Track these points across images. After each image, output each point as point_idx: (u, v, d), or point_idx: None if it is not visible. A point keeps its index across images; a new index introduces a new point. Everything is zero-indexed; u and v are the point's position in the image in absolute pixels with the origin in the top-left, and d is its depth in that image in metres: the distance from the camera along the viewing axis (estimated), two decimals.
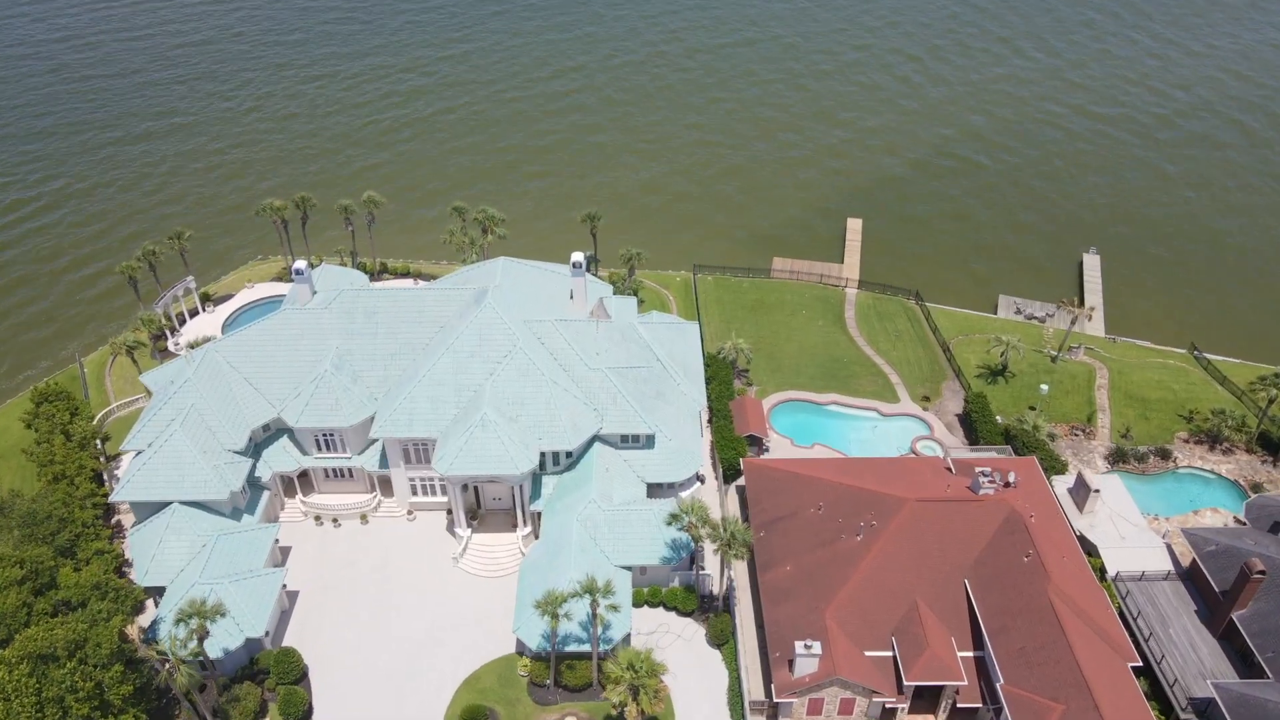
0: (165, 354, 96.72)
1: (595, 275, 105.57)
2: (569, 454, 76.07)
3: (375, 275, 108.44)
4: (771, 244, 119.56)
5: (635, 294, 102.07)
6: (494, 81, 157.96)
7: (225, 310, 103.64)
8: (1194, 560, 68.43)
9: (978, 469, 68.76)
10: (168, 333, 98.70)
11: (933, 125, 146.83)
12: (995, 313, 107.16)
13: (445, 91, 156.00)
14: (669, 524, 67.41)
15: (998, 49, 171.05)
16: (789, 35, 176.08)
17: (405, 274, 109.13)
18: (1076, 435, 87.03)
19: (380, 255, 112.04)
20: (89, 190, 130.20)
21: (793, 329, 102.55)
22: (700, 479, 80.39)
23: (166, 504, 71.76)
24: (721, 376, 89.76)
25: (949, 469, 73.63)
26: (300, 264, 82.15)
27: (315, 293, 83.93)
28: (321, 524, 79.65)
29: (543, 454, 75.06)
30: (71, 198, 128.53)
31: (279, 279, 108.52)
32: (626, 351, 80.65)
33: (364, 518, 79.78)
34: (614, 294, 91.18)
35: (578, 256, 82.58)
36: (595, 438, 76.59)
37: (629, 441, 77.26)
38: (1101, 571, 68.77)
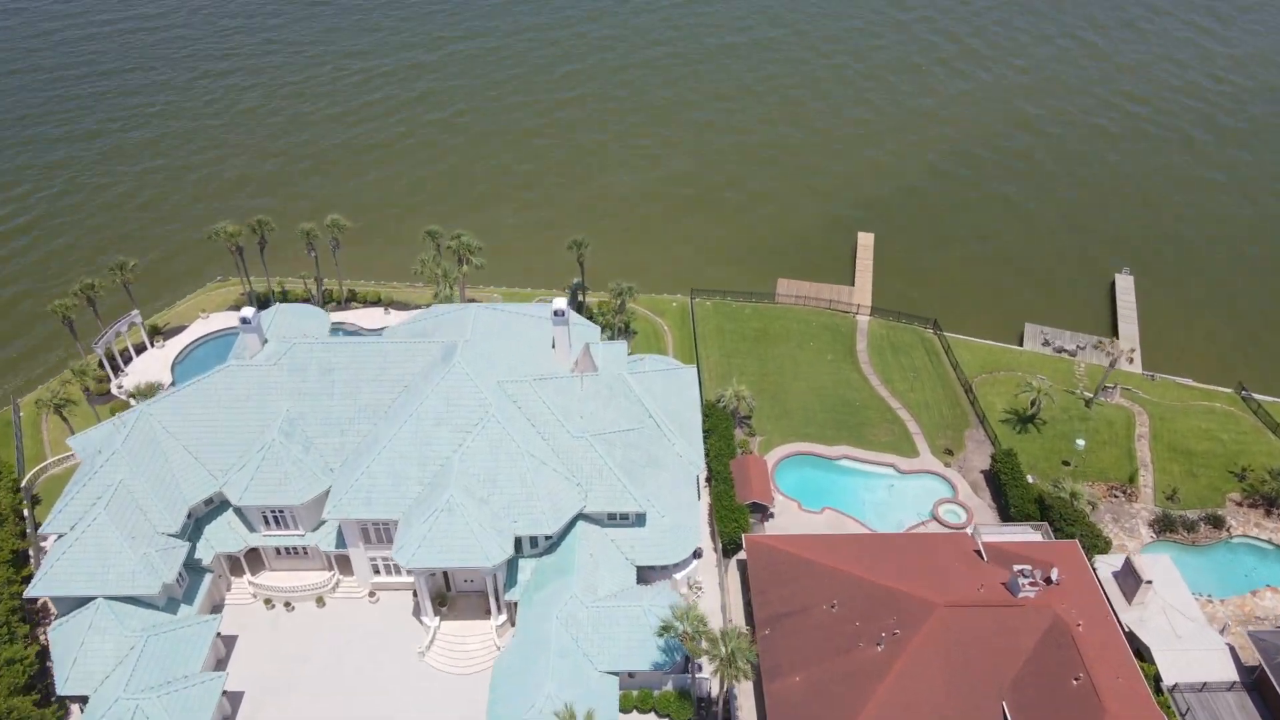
0: (107, 398, 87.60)
1: (584, 302, 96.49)
2: (549, 536, 67.23)
3: (343, 303, 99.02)
4: (775, 261, 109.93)
5: (627, 326, 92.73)
6: (481, 88, 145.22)
7: (176, 345, 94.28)
8: (1261, 668, 59.96)
9: (1015, 568, 59.91)
10: (110, 373, 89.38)
11: (951, 129, 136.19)
12: (1021, 344, 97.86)
13: (423, 95, 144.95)
14: (661, 634, 58.78)
15: (1026, 43, 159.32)
16: (796, 29, 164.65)
17: (376, 302, 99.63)
18: (1116, 497, 78.25)
19: (351, 276, 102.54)
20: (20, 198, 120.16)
21: (800, 364, 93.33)
22: (698, 554, 71.65)
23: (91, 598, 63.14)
24: (721, 429, 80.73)
25: (979, 553, 64.96)
26: (248, 311, 72.73)
27: (266, 341, 74.67)
28: (273, 607, 71.00)
29: (520, 537, 66.22)
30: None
31: (237, 307, 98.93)
32: (615, 410, 71.57)
33: (320, 600, 71.10)
34: (602, 337, 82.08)
35: (559, 304, 73.15)
36: (579, 516, 67.72)
37: (617, 519, 68.42)
38: (1156, 680, 60.23)
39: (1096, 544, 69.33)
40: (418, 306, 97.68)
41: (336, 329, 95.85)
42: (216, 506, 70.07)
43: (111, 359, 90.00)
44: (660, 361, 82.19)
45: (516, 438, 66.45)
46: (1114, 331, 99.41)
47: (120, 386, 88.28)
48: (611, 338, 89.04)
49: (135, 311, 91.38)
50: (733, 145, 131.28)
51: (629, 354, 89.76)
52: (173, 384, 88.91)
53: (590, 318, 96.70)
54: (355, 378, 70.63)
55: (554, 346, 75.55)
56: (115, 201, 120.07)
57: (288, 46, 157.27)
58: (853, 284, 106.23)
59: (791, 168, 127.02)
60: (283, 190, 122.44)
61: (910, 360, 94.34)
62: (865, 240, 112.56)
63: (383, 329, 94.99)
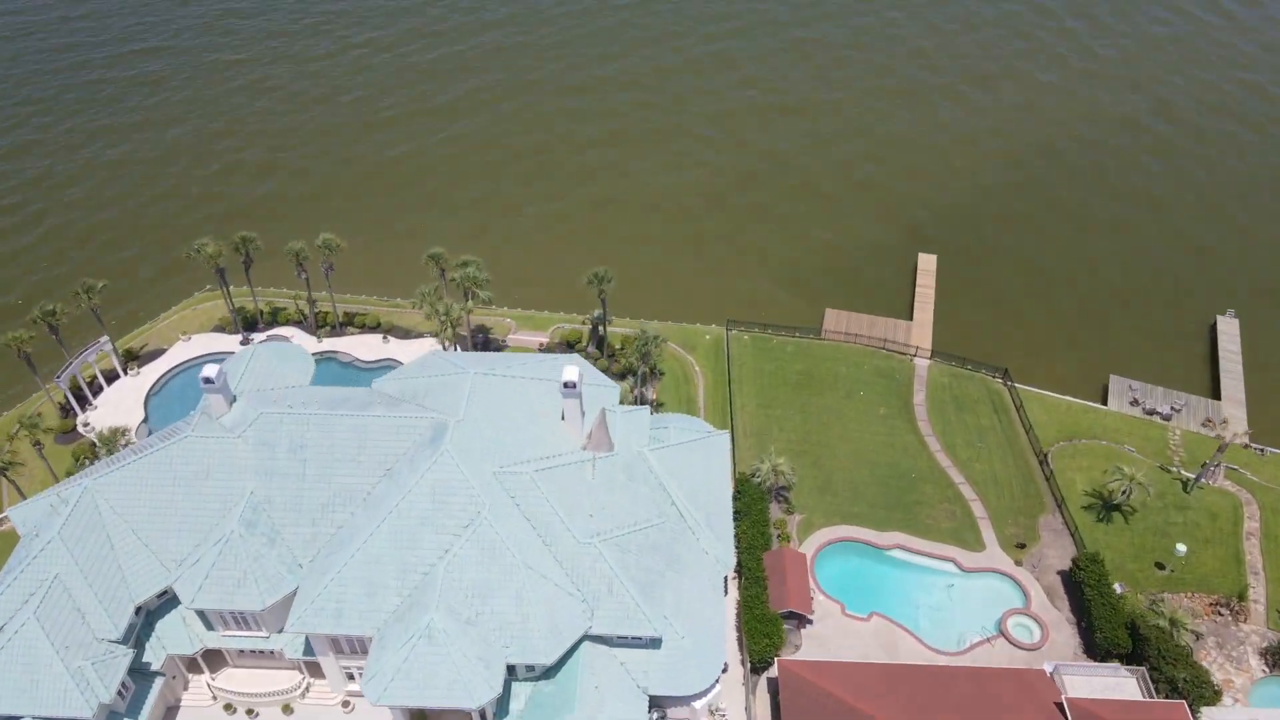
0: (72, 437, 78.86)
1: (604, 336, 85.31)
2: None
3: (337, 327, 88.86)
4: (824, 286, 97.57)
5: (653, 371, 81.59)
6: (500, 82, 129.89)
7: (154, 372, 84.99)
8: None
9: None
10: (76, 407, 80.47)
11: (1036, 129, 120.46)
12: (1104, 402, 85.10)
13: (430, 88, 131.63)
14: None
15: (1135, 25, 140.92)
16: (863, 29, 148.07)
17: (375, 327, 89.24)
18: (1221, 615, 66.47)
19: (348, 294, 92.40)
20: None
21: (848, 421, 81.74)
22: (723, 668, 61.47)
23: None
24: (755, 511, 69.90)
25: (1061, 709, 54.01)
26: (210, 369, 62.74)
27: (235, 398, 64.90)
28: (234, 712, 62.33)
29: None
30: None
31: (222, 327, 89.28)
32: (632, 499, 61.18)
33: (287, 708, 62.26)
34: (624, 389, 71.53)
35: (570, 374, 62.19)
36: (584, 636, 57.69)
37: (629, 639, 58.28)
38: None
39: (1203, 693, 57.89)
40: (420, 335, 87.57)
41: (329, 358, 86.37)
42: (171, 597, 61.02)
43: (80, 389, 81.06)
44: (687, 425, 71.23)
45: (512, 545, 56.23)
46: (1214, 389, 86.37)
47: (87, 424, 79.41)
48: (635, 388, 78.04)
49: (104, 338, 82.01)
50: (783, 150, 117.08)
51: (654, 404, 79.56)
52: (144, 421, 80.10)
53: (612, 355, 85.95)
54: (330, 457, 60.61)
55: (564, 418, 64.80)
56: (81, 198, 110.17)
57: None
58: (911, 318, 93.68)
59: (848, 176, 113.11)
60: (276, 175, 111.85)
61: (976, 419, 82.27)
62: (926, 263, 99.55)
63: (381, 362, 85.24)
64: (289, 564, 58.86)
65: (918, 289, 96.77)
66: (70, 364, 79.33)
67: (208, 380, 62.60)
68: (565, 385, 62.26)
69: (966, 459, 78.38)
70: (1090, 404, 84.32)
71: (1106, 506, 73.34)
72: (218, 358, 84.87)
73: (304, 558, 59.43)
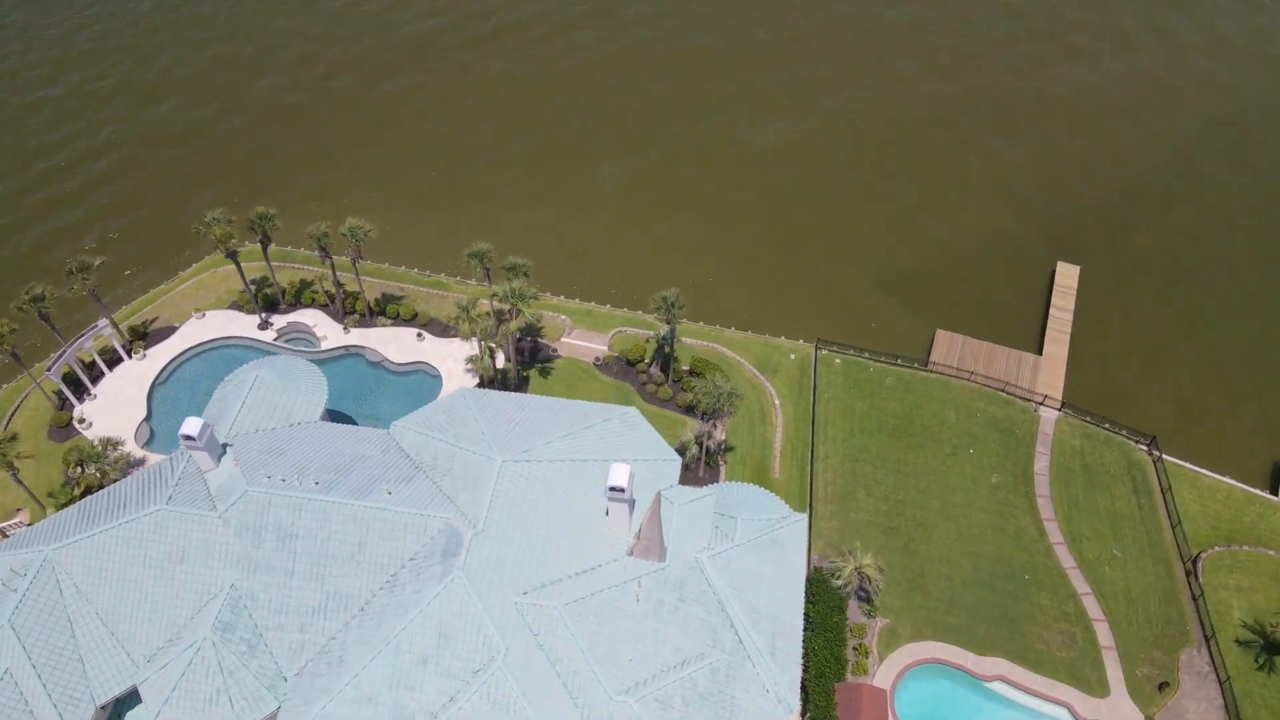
0: (67, 432, 70.42)
1: (671, 354, 72.24)
2: None
3: (367, 316, 77.45)
4: (935, 294, 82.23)
5: (722, 446, 68.68)
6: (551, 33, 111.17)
7: (162, 355, 75.30)
8: None
9: None
10: (73, 398, 71.67)
11: (1216, 101, 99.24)
12: (1274, 490, 69.60)
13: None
14: None
15: None
16: None
17: (411, 319, 77.48)
18: None
19: (386, 263, 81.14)
20: None
21: (951, 489, 68.34)
22: None
23: None
24: (831, 625, 58.15)
25: None
26: (191, 424, 52.67)
27: (226, 449, 54.92)
28: None
29: None
30: None
31: (239, 305, 78.76)
32: (680, 630, 50.32)
33: None
34: (687, 449, 59.86)
35: (619, 477, 50.07)
36: None
37: None
38: None
39: None
40: (457, 335, 75.44)
41: (355, 354, 75.51)
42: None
43: (76, 379, 72.09)
44: (758, 503, 59.04)
45: (530, 700, 45.93)
46: None
47: (82, 420, 70.69)
48: (701, 433, 65.35)
49: (102, 322, 72.18)
50: (895, 121, 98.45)
51: (722, 447, 67.44)
52: (147, 420, 71.10)
53: (678, 380, 73.18)
54: (323, 552, 50.52)
55: (608, 514, 53.12)
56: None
57: None
58: (1039, 350, 77.96)
59: (980, 152, 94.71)
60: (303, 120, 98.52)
61: (1109, 501, 67.96)
62: (1067, 276, 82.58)
63: (413, 367, 74.12)
64: (271, 677, 49.82)
65: (1052, 311, 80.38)
66: (63, 352, 69.95)
67: (189, 438, 52.45)
68: (611, 489, 50.24)
69: (1094, 559, 64.70)
70: (1258, 493, 68.84)
71: (1269, 647, 59.57)
72: (233, 344, 75.63)
73: (289, 668, 50.29)
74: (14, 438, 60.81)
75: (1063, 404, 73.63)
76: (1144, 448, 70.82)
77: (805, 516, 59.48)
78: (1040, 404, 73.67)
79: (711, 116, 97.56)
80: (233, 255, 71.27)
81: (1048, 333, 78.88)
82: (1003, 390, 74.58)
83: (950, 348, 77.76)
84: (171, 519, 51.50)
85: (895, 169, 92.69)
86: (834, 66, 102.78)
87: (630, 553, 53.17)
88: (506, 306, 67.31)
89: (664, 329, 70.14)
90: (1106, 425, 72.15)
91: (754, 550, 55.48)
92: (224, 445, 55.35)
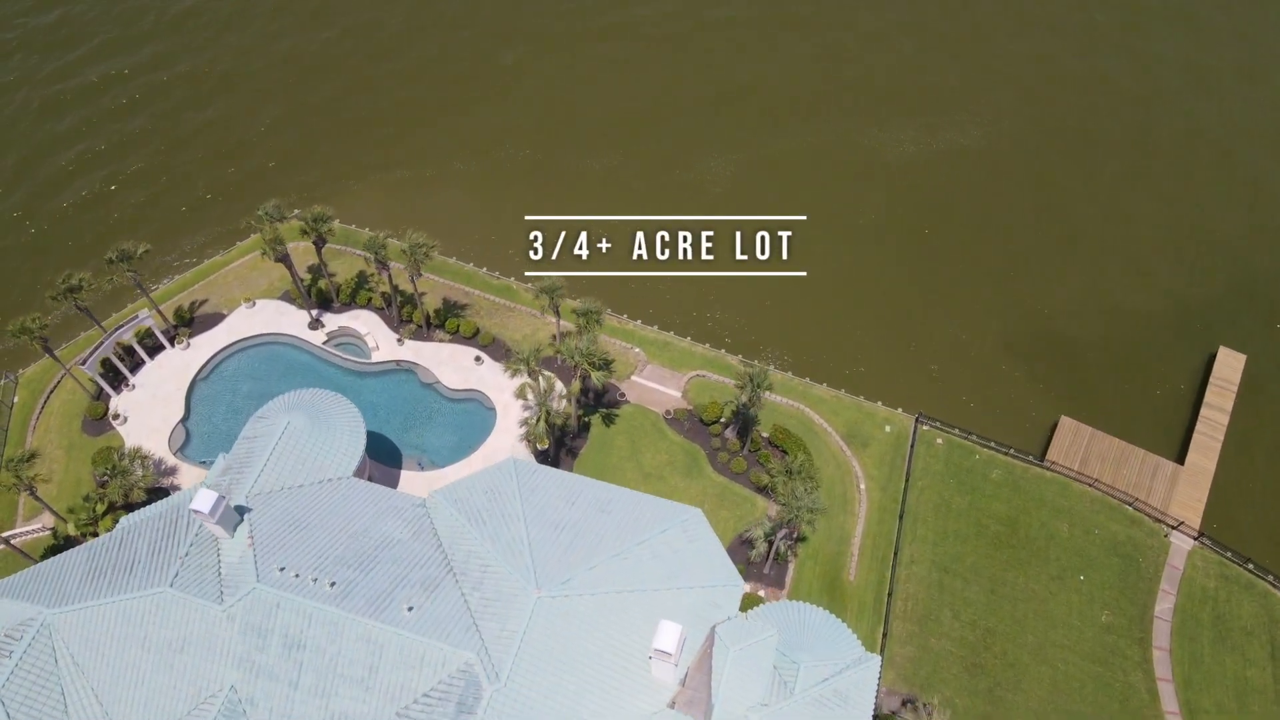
0: (101, 426, 66.39)
1: (752, 417, 63.98)
2: None
3: (424, 330, 70.55)
4: (1063, 372, 71.04)
5: (794, 540, 60.50)
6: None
7: (206, 347, 70.15)
8: None
9: None
10: (109, 389, 67.36)
11: None
12: None
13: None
14: None
15: None
16: None
17: (471, 336, 70.27)
18: None
19: (454, 256, 74.24)
20: None
21: (1053, 622, 59.45)
22: None
23: None
24: None
25: None
26: (203, 500, 47.25)
27: (243, 517, 49.75)
28: None
29: None
30: None
31: (291, 297, 72.71)
32: None
33: None
34: (754, 540, 52.65)
35: (665, 641, 42.97)
36: None
37: None
38: None
39: None
40: (517, 356, 67.84)
41: (407, 370, 69.19)
42: None
43: (113, 366, 67.61)
44: (824, 633, 51.12)
45: None
46: None
47: (117, 415, 66.46)
48: (771, 531, 57.51)
49: (144, 313, 66.94)
50: (1044, 140, 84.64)
51: (795, 540, 59.85)
52: (183, 421, 66.60)
53: (755, 451, 64.91)
54: (332, 670, 45.19)
55: (651, 658, 46.30)
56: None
57: None
58: (1182, 459, 66.82)
59: (1148, 189, 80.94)
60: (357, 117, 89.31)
61: (1241, 666, 58.22)
62: (1229, 364, 70.27)
63: (467, 395, 67.55)
64: None
65: (1204, 410, 68.58)
66: (101, 344, 65.17)
67: (200, 513, 47.14)
68: (657, 651, 43.26)
69: None
70: None
71: None
72: (281, 342, 69.98)
73: None
74: (33, 456, 56.50)
75: (1200, 532, 63.05)
76: None
77: (877, 661, 51.54)
78: (1174, 528, 63.23)
79: (862, 122, 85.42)
80: (284, 259, 64.54)
81: (1194, 437, 67.41)
82: (1130, 504, 64.24)
83: (1075, 441, 67.22)
84: (175, 604, 46.74)
85: (1035, 210, 79.91)
86: (974, 110, 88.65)
87: (672, 704, 46.54)
88: (572, 363, 59.37)
89: (744, 398, 61.49)
90: (1251, 567, 61.54)
91: (813, 707, 48.20)
92: (241, 512, 50.01)
